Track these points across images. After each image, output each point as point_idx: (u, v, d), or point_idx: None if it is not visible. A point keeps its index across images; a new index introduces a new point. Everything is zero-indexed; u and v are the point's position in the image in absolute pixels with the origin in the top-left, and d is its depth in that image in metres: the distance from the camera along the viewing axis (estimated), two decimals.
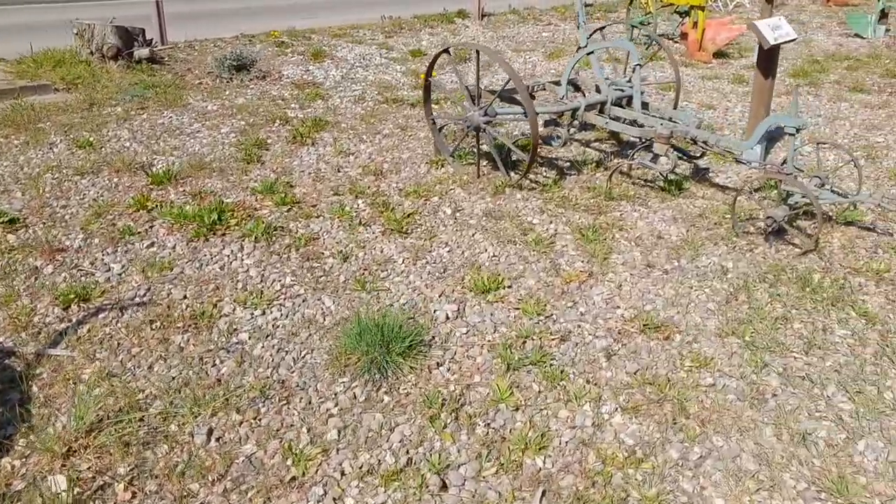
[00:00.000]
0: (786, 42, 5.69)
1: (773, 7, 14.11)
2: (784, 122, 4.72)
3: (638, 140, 5.44)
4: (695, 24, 10.14)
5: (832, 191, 5.20)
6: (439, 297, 3.90)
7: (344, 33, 11.02)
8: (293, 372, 3.25)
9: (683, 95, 8.13)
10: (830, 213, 5.02)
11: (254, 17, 12.20)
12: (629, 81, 6.09)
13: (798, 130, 4.68)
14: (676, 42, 11.17)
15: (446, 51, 5.40)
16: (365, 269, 4.14)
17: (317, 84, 8.10)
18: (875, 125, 7.14)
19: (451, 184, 5.43)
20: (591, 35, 6.48)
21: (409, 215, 4.83)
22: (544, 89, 6.09)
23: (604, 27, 6.24)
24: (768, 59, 5.69)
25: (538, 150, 5.46)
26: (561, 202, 5.17)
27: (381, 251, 4.37)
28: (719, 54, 10.21)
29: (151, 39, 8.52)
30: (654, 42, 10.49)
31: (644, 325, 3.67)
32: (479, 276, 4.07)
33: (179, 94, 7.37)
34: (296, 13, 13.09)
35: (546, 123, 5.56)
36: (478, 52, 5.33)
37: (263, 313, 3.68)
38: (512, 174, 5.51)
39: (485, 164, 5.75)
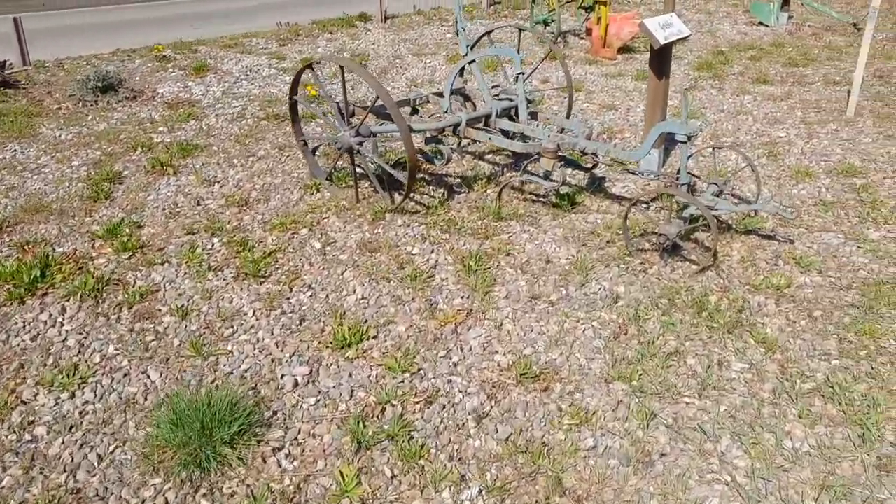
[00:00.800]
0: (678, 40, 5.36)
1: None
2: (673, 130, 4.36)
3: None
4: (599, 20, 9.85)
5: (733, 195, 4.90)
6: (290, 357, 3.37)
7: (235, 43, 10.33)
8: (94, 476, 2.68)
9: (585, 96, 7.79)
10: (730, 222, 4.70)
11: (139, 30, 11.38)
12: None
13: (689, 138, 4.32)
14: (582, 38, 10.88)
15: (309, 66, 4.87)
16: (206, 328, 3.58)
17: (193, 102, 7.43)
18: (777, 118, 6.93)
19: (325, 211, 4.91)
20: (478, 40, 6.04)
21: (269, 254, 4.28)
22: (429, 102, 5.61)
23: (491, 31, 5.81)
24: (661, 58, 5.35)
25: (418, 169, 4.99)
26: (447, 226, 4.70)
27: (230, 302, 3.81)
28: (625, 49, 9.96)
29: (5, 61, 7.70)
30: (557, 40, 10.18)
31: (522, 375, 3.23)
32: (341, 326, 3.56)
33: (31, 122, 6.61)
34: (187, 23, 12.32)
35: (427, 140, 5.09)
36: (342, 66, 4.80)
37: (73, 396, 3.09)
38: (396, 196, 5.02)
39: (368, 185, 5.24)
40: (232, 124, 6.77)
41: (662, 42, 5.11)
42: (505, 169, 5.70)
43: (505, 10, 13.77)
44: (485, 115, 5.15)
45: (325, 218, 4.82)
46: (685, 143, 4.36)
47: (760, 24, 12.11)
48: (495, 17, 12.99)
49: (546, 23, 10.29)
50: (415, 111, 5.49)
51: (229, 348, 3.42)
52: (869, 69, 8.67)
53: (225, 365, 3.30)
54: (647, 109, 5.60)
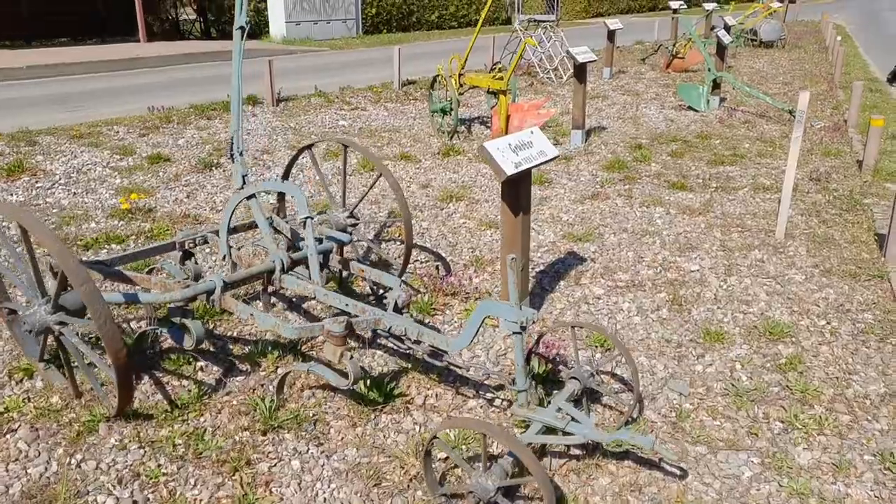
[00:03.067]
0: (539, 164, 4.02)
1: (612, 72, 12.90)
2: (499, 315, 2.94)
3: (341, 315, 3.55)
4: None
5: (603, 391, 3.47)
6: None
7: (90, 132, 8.84)
8: None
9: (465, 208, 6.42)
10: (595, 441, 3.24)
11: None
12: (351, 225, 4.28)
13: (524, 329, 2.90)
14: (489, 126, 9.66)
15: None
16: None
17: None
18: (691, 242, 5.61)
19: (18, 415, 3.34)
20: (292, 162, 4.63)
21: None
22: (206, 242, 4.11)
23: (311, 146, 4.42)
24: (516, 189, 3.98)
25: (131, 371, 3.49)
26: (184, 447, 3.16)
27: None
28: None
29: None
30: (455, 132, 8.92)
31: None
32: None
33: None
34: (62, 104, 10.87)
35: (172, 312, 3.48)
36: (20, 224, 3.20)
37: None
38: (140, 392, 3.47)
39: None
40: None
41: (512, 173, 3.74)
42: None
43: (418, 91, 12.61)
44: (266, 270, 3.67)
45: (11, 430, 3.24)
46: (520, 333, 2.93)
47: (690, 108, 11.08)
48: (403, 102, 11.78)
49: (444, 111, 9.05)
50: (187, 257, 3.99)
51: None
52: (804, 168, 7.51)
53: None
54: (503, 255, 4.19)
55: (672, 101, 11.77)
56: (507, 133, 8.45)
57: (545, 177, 7.33)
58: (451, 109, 8.91)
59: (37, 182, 6.88)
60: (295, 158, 4.57)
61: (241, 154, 3.86)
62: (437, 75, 9.32)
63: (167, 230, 5.66)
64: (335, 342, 3.14)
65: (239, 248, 4.01)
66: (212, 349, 3.97)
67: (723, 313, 4.48)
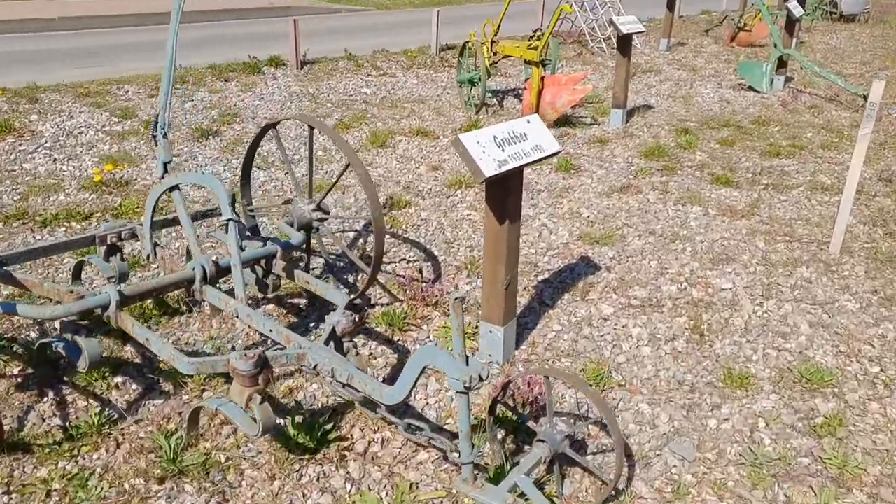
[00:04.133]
0: (532, 162, 3.29)
1: (670, 43, 11.85)
2: (442, 367, 2.28)
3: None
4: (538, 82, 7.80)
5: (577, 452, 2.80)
6: None
7: (97, 91, 8.40)
8: None
9: (475, 197, 5.71)
10: None
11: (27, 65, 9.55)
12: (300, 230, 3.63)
13: (468, 389, 2.23)
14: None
15: None
16: None
17: None
18: (727, 253, 4.80)
19: None
20: (254, 146, 3.99)
21: None
22: (135, 237, 3.51)
23: (275, 124, 3.76)
24: (502, 189, 3.26)
25: None
26: (60, 497, 2.62)
27: None
28: (563, 121, 7.89)
29: None
30: (483, 106, 8.15)
31: None
32: None
33: None
34: (82, 59, 10.51)
35: (64, 327, 2.85)
36: None
37: None
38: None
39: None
40: None
41: (492, 174, 3.02)
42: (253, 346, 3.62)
43: (455, 57, 11.79)
44: (183, 280, 3.06)
45: None
46: (464, 394, 2.27)
47: (750, 88, 10.01)
48: (437, 69, 11.01)
49: (473, 82, 8.26)
50: (113, 252, 3.41)
51: None
52: (874, 165, 6.53)
53: None
54: (486, 269, 3.49)
55: (732, 80, 10.68)
56: (537, 110, 7.65)
57: (572, 162, 6.53)
58: (480, 80, 8.12)
59: (20, 145, 6.45)
60: (258, 139, 3.93)
61: (164, 136, 3.23)
62: (467, 41, 8.52)
63: (137, 208, 5.13)
64: (242, 382, 2.53)
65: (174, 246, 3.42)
66: (137, 360, 3.42)
67: (752, 348, 3.70)
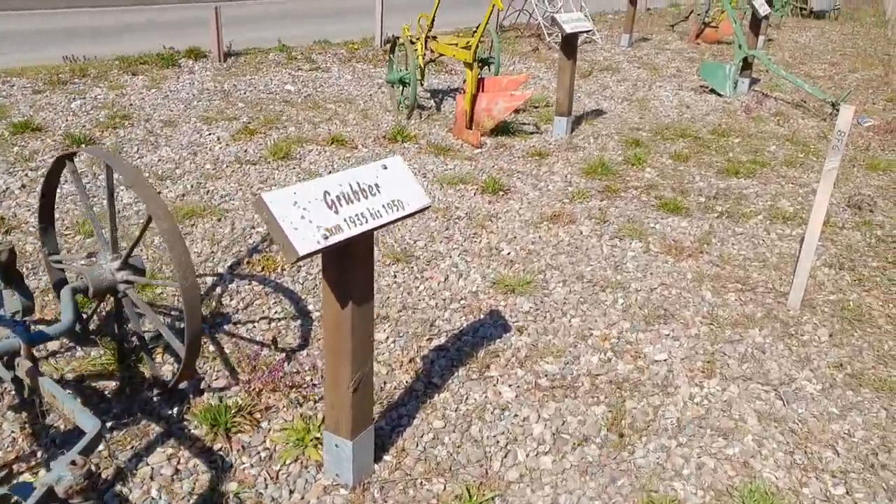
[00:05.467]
0: (382, 226, 2.41)
1: (632, 39, 10.99)
2: None
3: None
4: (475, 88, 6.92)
5: None
6: None
7: None
8: None
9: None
10: None
11: None
12: None
13: None
14: None
15: None
16: None
17: None
18: (666, 307, 3.98)
19: None
20: (50, 178, 3.06)
21: None
22: (14, 255, 2.58)
23: (72, 154, 2.84)
24: (338, 266, 2.37)
25: None
26: None
27: None
28: (502, 129, 7.03)
29: None
30: (411, 111, 7.27)
31: None
32: None
33: None
34: None
35: None
36: None
37: None
38: None
39: None
40: None
41: (309, 251, 2.14)
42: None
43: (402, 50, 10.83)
44: None
45: None
46: None
47: (712, 91, 9.23)
48: (379, 62, 10.06)
49: (404, 82, 7.34)
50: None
51: None
52: (841, 187, 5.77)
53: None
54: (327, 368, 2.62)
55: (694, 81, 9.90)
56: (471, 119, 6.78)
57: (503, 182, 5.68)
58: (406, 82, 7.21)
59: None
60: (53, 173, 3.01)
61: None
62: (398, 36, 7.60)
63: None
64: None
65: None
66: None
67: (684, 456, 2.89)
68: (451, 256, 4.46)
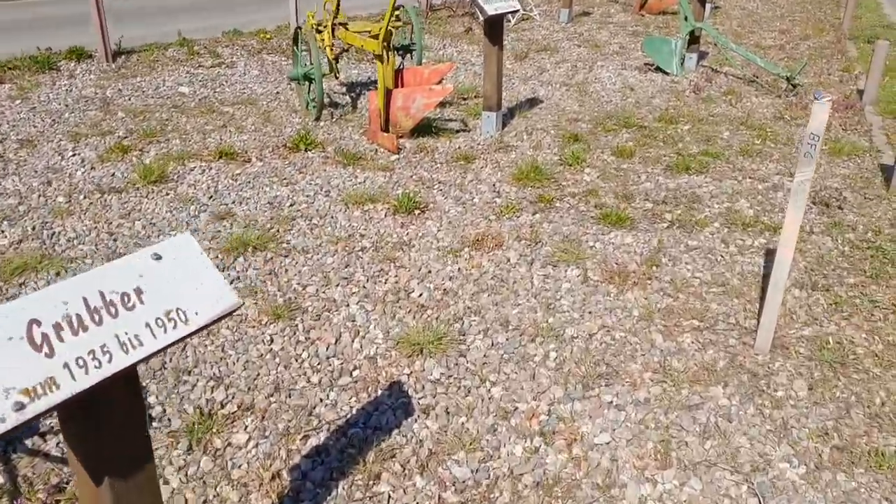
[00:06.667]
0: (168, 343, 1.55)
1: (572, 14, 10.12)
2: None
3: None
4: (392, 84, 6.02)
5: None
6: None
7: None
8: None
9: (259, 269, 3.94)
10: None
11: None
12: None
13: None
14: None
15: None
16: None
17: None
18: (608, 362, 3.21)
19: None
20: None
21: None
22: None
23: None
24: (79, 423, 1.51)
25: None
26: None
27: None
28: (424, 129, 6.17)
29: None
30: (320, 110, 6.36)
31: None
32: None
33: None
34: None
35: None
36: None
37: None
38: None
39: None
40: None
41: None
42: None
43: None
44: None
45: None
46: None
47: (658, 70, 8.48)
48: (291, 55, 9.07)
49: (310, 79, 6.41)
50: None
51: None
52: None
53: None
54: None
55: (638, 58, 9.14)
56: (387, 119, 5.90)
57: (421, 196, 4.84)
58: (316, 78, 6.28)
59: None
60: None
61: None
62: (299, 27, 6.64)
63: None
64: None
65: None
66: None
67: None
68: (347, 306, 3.62)
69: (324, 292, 3.73)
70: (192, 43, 9.13)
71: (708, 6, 11.57)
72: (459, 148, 5.89)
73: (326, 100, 7.16)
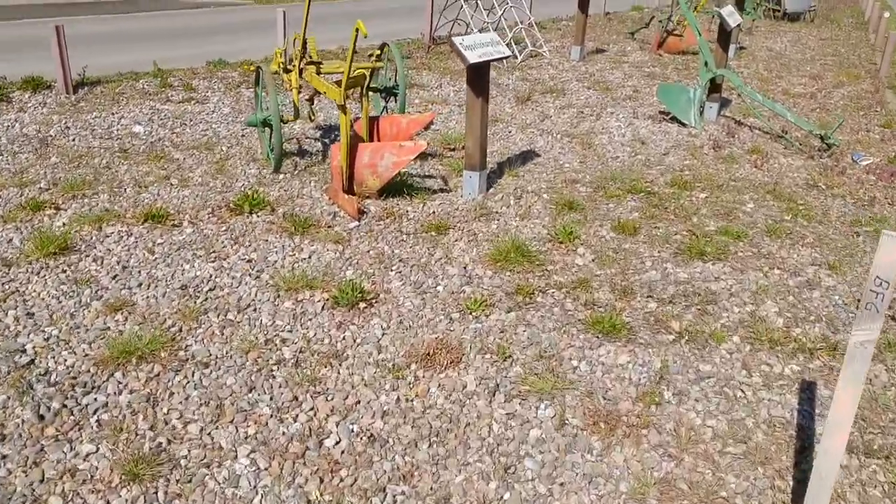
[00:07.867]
0: None
1: (584, 52, 9.26)
2: None
3: None
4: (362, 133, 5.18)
5: None
6: None
7: None
8: None
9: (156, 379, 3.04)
10: None
11: None
12: None
13: None
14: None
15: None
16: None
17: None
18: None
19: None
20: None
21: None
22: None
23: None
24: None
25: None
26: None
27: None
28: (396, 187, 5.29)
29: None
30: (279, 165, 5.51)
31: None
32: None
33: None
34: None
35: None
36: None
37: None
38: None
39: None
40: None
41: None
42: None
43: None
44: None
45: None
46: None
47: (673, 119, 7.57)
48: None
49: (268, 125, 5.55)
50: None
51: None
52: (847, 274, 4.07)
53: None
54: None
55: (652, 104, 8.25)
56: (350, 178, 5.02)
57: (370, 283, 3.94)
58: (273, 125, 5.42)
59: None
60: None
61: None
62: (258, 66, 5.80)
63: None
64: None
65: None
66: None
67: None
68: (235, 457, 2.70)
69: (210, 433, 2.82)
70: (166, 74, 8.37)
71: (732, 46, 10.71)
72: (434, 213, 5.00)
73: (296, 146, 6.33)
